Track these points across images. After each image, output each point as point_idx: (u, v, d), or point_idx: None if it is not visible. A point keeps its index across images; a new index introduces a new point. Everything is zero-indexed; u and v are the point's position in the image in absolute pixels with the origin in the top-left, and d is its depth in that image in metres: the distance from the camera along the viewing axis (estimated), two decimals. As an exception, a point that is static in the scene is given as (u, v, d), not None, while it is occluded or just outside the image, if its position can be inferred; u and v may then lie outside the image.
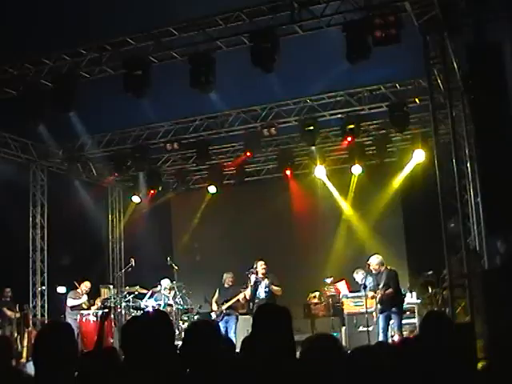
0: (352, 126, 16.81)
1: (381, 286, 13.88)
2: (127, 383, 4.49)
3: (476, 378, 5.11)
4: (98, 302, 16.96)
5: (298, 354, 4.67)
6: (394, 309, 13.85)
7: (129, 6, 12.92)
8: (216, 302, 16.11)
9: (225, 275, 16.19)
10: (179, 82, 13.29)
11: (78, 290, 16.72)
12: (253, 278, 15.44)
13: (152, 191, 21.17)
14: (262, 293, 15.29)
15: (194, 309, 17.45)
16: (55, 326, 5.11)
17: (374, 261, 14.17)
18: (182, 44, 13.11)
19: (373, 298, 14.06)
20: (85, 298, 16.64)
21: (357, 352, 4.37)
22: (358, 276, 15.52)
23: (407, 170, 18.60)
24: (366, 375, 4.24)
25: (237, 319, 15.92)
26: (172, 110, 17.08)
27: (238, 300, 15.89)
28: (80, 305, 16.51)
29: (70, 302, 16.47)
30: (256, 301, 15.21)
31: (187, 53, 12.98)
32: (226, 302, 15.89)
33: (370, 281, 14.68)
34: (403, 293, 14.93)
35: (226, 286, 16.14)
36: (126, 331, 5.19)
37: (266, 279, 15.28)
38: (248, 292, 15.44)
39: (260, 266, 15.44)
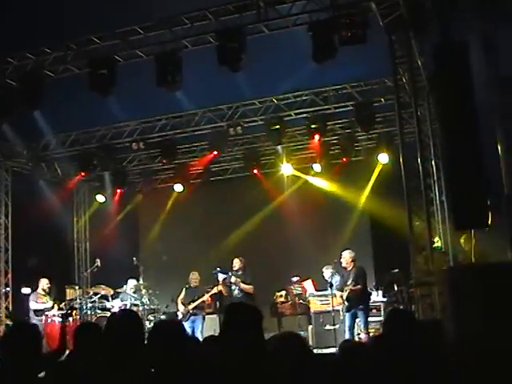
0: (318, 125, 16.88)
1: (349, 283, 13.97)
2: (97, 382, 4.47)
3: (442, 374, 5.16)
4: (62, 305, 16.81)
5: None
6: (360, 306, 13.93)
7: (94, 5, 12.86)
8: (182, 302, 16.10)
9: (190, 274, 16.19)
10: (145, 81, 13.26)
11: (39, 291, 16.48)
12: (220, 276, 15.51)
13: (118, 191, 21.09)
14: (235, 291, 15.42)
15: (161, 309, 17.40)
16: (22, 327, 5.10)
17: (347, 255, 14.25)
18: (149, 43, 13.07)
19: (341, 297, 14.14)
20: (49, 304, 16.36)
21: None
22: (327, 273, 15.59)
23: (373, 170, 18.73)
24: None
25: (203, 319, 15.94)
26: (138, 109, 17.04)
27: (204, 300, 15.93)
28: (43, 309, 16.28)
29: (33, 306, 16.26)
30: (229, 298, 15.33)
31: (154, 52, 12.94)
32: (193, 301, 15.88)
33: (336, 279, 14.77)
34: (369, 291, 15.05)
35: (192, 285, 16.14)
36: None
37: (233, 277, 15.35)
38: (224, 290, 15.54)
39: (234, 263, 15.56)
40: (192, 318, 15.84)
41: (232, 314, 4.56)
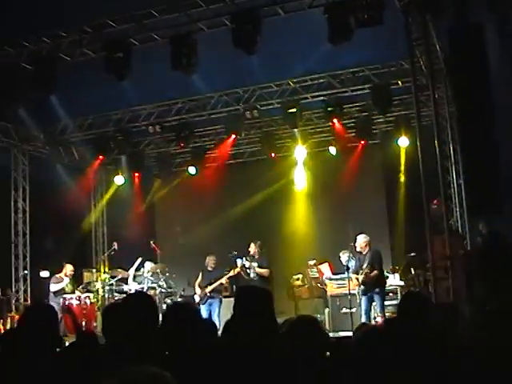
0: (334, 108, 16.80)
1: (364, 267, 13.94)
2: (110, 365, 4.46)
3: (455, 357, 5.13)
4: (79, 289, 16.97)
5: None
6: (376, 290, 13.90)
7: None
8: (199, 285, 16.16)
9: (207, 258, 16.26)
10: (161, 64, 13.23)
11: (61, 274, 16.54)
12: (239, 261, 15.57)
13: (136, 175, 21.17)
14: (251, 275, 15.48)
15: (178, 292, 17.45)
16: (38, 307, 5.11)
17: (361, 239, 14.23)
18: (164, 26, 13.02)
19: (357, 280, 14.11)
20: (66, 280, 16.42)
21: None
22: (344, 257, 15.57)
23: (390, 153, 18.62)
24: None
25: (220, 302, 16.00)
26: (154, 92, 16.99)
27: (222, 283, 15.99)
28: (62, 289, 16.37)
29: (53, 287, 16.36)
30: (248, 282, 15.40)
31: (168, 35, 12.90)
32: (210, 284, 15.95)
33: (352, 263, 14.73)
34: (386, 274, 15.03)
35: (209, 268, 16.21)
36: (107, 315, 5.18)
37: (247, 262, 15.43)
38: (243, 273, 15.66)
39: (250, 248, 15.60)
40: (209, 300, 15.92)
41: (241, 297, 4.55)
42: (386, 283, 14.63)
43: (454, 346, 5.06)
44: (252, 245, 15.63)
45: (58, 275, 16.54)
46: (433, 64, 12.83)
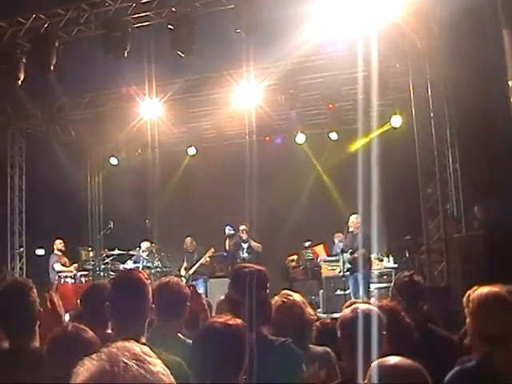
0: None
1: (355, 246, 14.10)
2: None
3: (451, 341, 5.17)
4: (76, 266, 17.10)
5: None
6: (361, 271, 14.01)
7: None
8: (184, 268, 16.51)
9: (185, 240, 16.62)
10: (160, 45, 13.18)
11: (56, 252, 16.73)
12: (228, 230, 15.87)
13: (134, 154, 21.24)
14: (243, 253, 15.61)
15: (173, 272, 17.49)
16: (11, 285, 4.97)
17: (354, 219, 14.38)
18: (162, 6, 12.95)
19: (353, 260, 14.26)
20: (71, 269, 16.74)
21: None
22: (338, 239, 15.72)
23: (386, 135, 18.58)
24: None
25: (205, 282, 16.25)
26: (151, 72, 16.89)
27: (202, 263, 16.28)
28: (64, 265, 16.67)
29: (58, 267, 16.53)
30: (238, 261, 15.50)
31: (168, 15, 12.83)
32: (192, 266, 16.25)
33: (345, 244, 14.87)
34: (381, 257, 15.13)
35: (190, 250, 16.51)
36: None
37: (244, 233, 15.72)
38: (229, 245, 16.09)
39: (242, 231, 15.77)
40: (193, 283, 16.01)
41: (237, 276, 4.55)
42: (371, 265, 14.76)
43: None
44: (243, 227, 15.86)
45: (55, 254, 16.68)
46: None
